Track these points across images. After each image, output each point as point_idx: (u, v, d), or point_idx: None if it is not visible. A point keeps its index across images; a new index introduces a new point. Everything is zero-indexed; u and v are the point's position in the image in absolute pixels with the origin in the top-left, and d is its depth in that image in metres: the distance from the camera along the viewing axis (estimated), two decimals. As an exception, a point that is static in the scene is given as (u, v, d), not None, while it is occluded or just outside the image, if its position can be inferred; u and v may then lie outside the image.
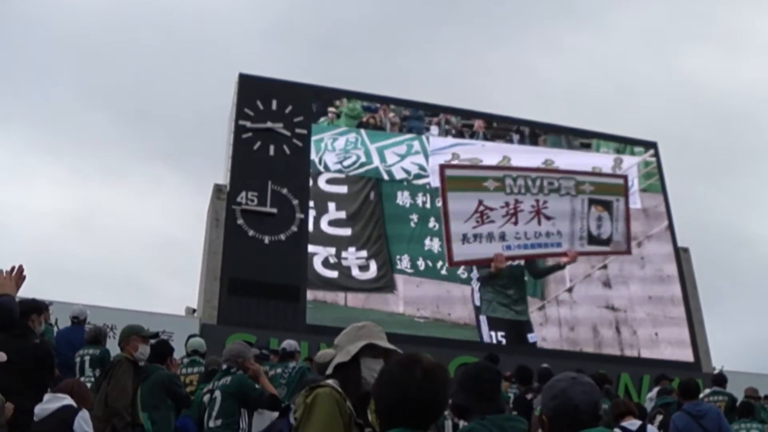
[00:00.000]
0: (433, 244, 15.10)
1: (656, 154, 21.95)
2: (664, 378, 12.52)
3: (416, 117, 15.96)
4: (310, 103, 19.13)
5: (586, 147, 17.98)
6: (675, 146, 43.49)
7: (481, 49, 48.31)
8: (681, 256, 20.40)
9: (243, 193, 17.52)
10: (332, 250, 15.34)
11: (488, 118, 20.71)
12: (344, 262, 15.40)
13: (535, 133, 16.97)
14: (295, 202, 17.77)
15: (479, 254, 14.69)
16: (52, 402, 5.23)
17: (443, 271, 14.76)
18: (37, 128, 44.83)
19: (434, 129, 16.11)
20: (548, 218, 15.52)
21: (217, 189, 17.73)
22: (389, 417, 2.60)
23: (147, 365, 7.33)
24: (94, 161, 45.61)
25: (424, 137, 16.00)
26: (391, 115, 15.90)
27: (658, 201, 19.35)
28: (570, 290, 16.07)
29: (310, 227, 15.29)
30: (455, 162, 15.75)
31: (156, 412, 7.04)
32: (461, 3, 47.43)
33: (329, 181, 15.86)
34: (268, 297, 16.46)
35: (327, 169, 15.98)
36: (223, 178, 18.16)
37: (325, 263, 15.26)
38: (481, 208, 15.01)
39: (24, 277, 3.86)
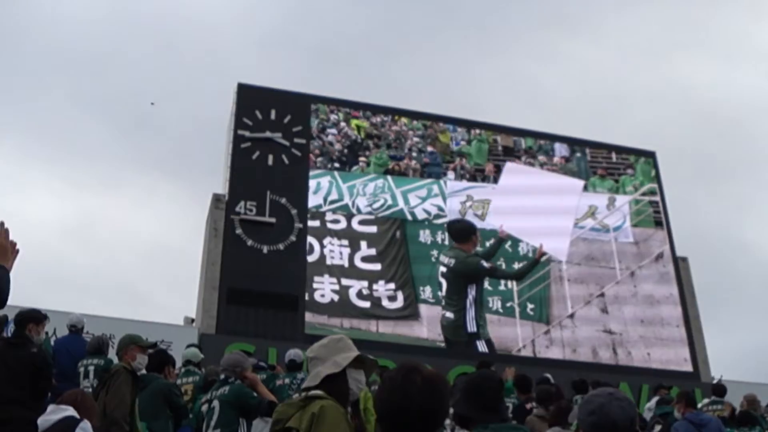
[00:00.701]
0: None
1: (654, 164, 22.02)
2: (662, 387, 12.52)
3: (435, 164, 17.67)
4: (309, 113, 19.19)
5: (584, 189, 19.15)
6: (671, 154, 43.54)
7: (477, 59, 48.50)
8: (680, 265, 20.45)
9: (242, 203, 17.53)
10: (365, 284, 16.62)
11: (487, 128, 20.83)
12: (375, 294, 16.65)
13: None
14: (294, 211, 17.78)
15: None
16: (54, 413, 5.22)
17: None
18: (34, 138, 44.92)
19: (450, 174, 17.68)
20: None
21: (216, 198, 17.74)
22: (392, 426, 2.60)
23: (145, 374, 7.31)
24: (91, 171, 45.67)
25: (441, 181, 17.58)
26: (413, 162, 17.58)
27: (649, 233, 19.86)
28: (572, 316, 17.35)
29: (345, 263, 16.62)
30: (468, 203, 17.53)
31: (155, 422, 7.01)
32: (457, 12, 47.60)
33: (361, 222, 17.20)
34: (267, 306, 16.45)
35: (359, 211, 17.30)
36: (221, 187, 18.18)
37: (359, 295, 16.50)
38: None
39: (17, 252, 3.81)
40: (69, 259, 44.91)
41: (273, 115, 18.86)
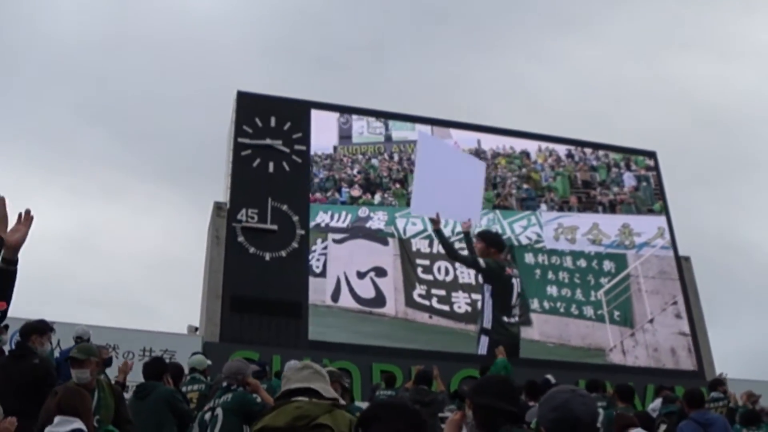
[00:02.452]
0: (552, 290, 19.25)
1: (655, 164, 22.08)
2: (664, 388, 12.51)
3: (530, 198, 20.56)
4: (308, 119, 19.24)
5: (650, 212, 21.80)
6: (670, 154, 43.49)
7: (474, 60, 48.47)
8: (682, 265, 20.48)
9: (243, 211, 17.56)
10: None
11: (488, 131, 20.93)
12: (453, 300, 18.70)
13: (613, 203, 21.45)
14: (296, 218, 17.81)
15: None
16: (62, 425, 5.14)
17: (561, 309, 19.08)
18: (35, 148, 44.99)
19: (543, 206, 20.55)
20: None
21: (218, 207, 17.77)
22: None
23: (146, 383, 7.31)
24: (92, 180, 45.69)
25: (537, 212, 20.35)
26: (513, 199, 20.42)
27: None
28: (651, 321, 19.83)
29: (473, 281, 18.77)
30: (560, 230, 20.40)
31: (160, 429, 7.02)
32: (454, 14, 47.70)
33: None
34: (270, 314, 16.47)
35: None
36: (223, 195, 18.21)
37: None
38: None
39: (32, 218, 3.80)
40: (70, 268, 44.96)
41: (273, 122, 18.91)
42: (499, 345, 11.49)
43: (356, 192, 18.99)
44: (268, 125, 18.86)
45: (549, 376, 11.15)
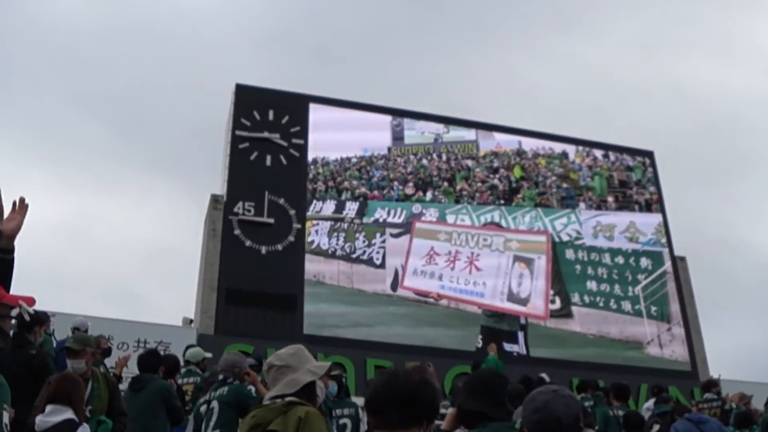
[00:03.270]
0: (592, 285, 19.98)
1: (653, 163, 22.12)
2: (660, 389, 12.53)
3: (570, 196, 21.40)
4: (306, 113, 19.23)
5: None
6: (667, 152, 43.52)
7: (474, 57, 48.49)
8: (678, 264, 20.53)
9: (240, 204, 17.54)
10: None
11: (488, 128, 20.97)
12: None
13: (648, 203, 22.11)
14: (292, 212, 17.80)
15: (422, 287, 18.68)
16: (53, 415, 5.12)
17: (600, 304, 19.80)
18: (30, 137, 44.82)
19: (582, 204, 21.38)
20: (478, 270, 19.17)
21: (214, 199, 17.74)
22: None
23: (142, 375, 7.31)
24: (88, 170, 45.61)
25: (576, 210, 21.16)
26: (554, 197, 21.24)
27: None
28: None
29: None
30: (598, 227, 21.15)
31: (155, 421, 7.02)
32: (453, 11, 47.65)
33: None
34: (266, 307, 16.47)
35: None
36: (219, 188, 18.18)
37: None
38: (431, 252, 19.10)
39: (27, 207, 3.75)
40: (65, 259, 44.86)
41: (271, 115, 18.89)
42: (491, 343, 11.53)
43: (410, 190, 19.95)
44: (266, 118, 18.83)
45: (544, 375, 11.17)
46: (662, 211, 21.41)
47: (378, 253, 18.60)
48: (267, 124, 18.76)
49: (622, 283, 20.12)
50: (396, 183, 19.85)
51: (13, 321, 7.00)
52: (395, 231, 19.02)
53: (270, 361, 3.68)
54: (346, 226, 18.62)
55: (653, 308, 20.15)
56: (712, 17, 50.90)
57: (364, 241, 18.60)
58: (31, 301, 3.64)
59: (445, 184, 20.35)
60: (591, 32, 49.99)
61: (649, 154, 22.38)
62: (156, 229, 45.44)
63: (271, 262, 17.08)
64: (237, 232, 17.24)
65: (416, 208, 19.63)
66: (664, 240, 21.26)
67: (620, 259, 20.53)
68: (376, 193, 19.42)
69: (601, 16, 50.33)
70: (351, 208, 18.95)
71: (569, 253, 20.23)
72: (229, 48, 48.16)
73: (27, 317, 6.27)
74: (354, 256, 18.34)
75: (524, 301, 19.02)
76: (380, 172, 19.86)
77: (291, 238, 17.52)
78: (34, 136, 45.41)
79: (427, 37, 47.53)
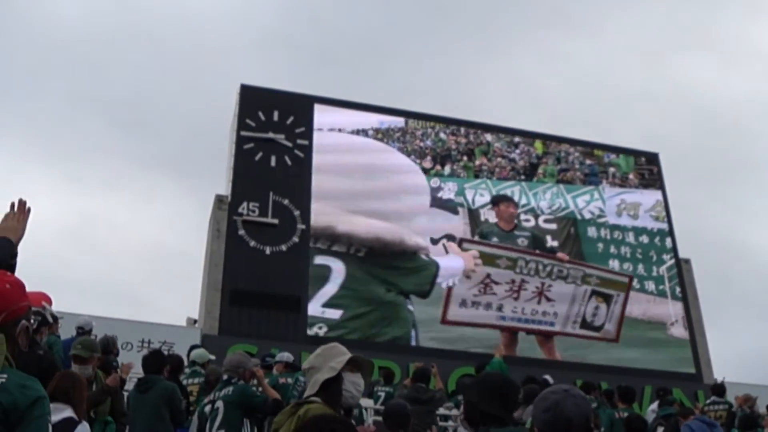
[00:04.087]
0: (614, 264, 19.97)
1: (658, 166, 22.07)
2: (665, 392, 12.51)
3: (593, 173, 21.20)
4: (311, 114, 19.23)
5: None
6: (672, 155, 43.47)
7: (477, 59, 48.49)
8: (682, 267, 20.49)
9: (244, 204, 17.55)
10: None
11: (488, 129, 20.93)
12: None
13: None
14: (297, 213, 17.80)
15: (473, 318, 18.23)
16: (52, 414, 5.13)
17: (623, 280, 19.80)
18: (33, 137, 44.91)
19: (604, 181, 21.22)
20: (549, 300, 18.85)
21: (219, 199, 17.75)
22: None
23: (148, 376, 7.31)
24: (91, 170, 45.66)
25: (600, 187, 21.05)
26: (578, 173, 21.11)
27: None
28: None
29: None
30: (623, 205, 21.04)
31: (160, 423, 7.02)
32: (457, 12, 47.64)
33: (545, 221, 20.23)
34: (269, 307, 16.47)
35: (542, 212, 20.27)
36: (224, 188, 18.19)
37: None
38: (487, 280, 18.65)
39: (29, 210, 3.48)
40: (69, 259, 44.94)
41: (276, 116, 18.89)
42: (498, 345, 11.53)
43: (428, 164, 19.88)
44: (271, 119, 18.84)
45: (547, 377, 11.15)
46: (667, 213, 21.32)
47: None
48: (272, 125, 18.76)
49: (646, 263, 20.16)
50: (413, 157, 19.80)
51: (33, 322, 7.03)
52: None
53: (304, 365, 3.78)
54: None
55: (678, 289, 20.21)
56: (716, 21, 50.85)
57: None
58: (49, 301, 3.62)
59: (465, 158, 20.29)
60: (595, 35, 49.97)
61: (654, 156, 22.33)
62: (160, 229, 45.54)
63: (276, 262, 17.08)
64: (241, 232, 17.24)
65: (434, 182, 19.57)
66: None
67: (645, 239, 20.51)
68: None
69: (605, 19, 50.29)
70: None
71: (591, 231, 20.17)
72: (234, 48, 48.22)
73: (50, 318, 6.26)
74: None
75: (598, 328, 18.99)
76: (397, 144, 19.81)
77: (295, 239, 17.51)
78: (38, 136, 45.54)
79: (430, 39, 47.55)
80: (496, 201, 19.84)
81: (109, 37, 47.94)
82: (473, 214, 19.47)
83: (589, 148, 21.78)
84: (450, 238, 18.85)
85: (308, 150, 18.80)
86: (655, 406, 11.36)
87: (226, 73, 45.93)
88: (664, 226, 20.95)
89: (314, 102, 19.59)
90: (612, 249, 20.07)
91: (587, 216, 20.40)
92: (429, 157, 19.89)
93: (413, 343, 17.45)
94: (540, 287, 18.81)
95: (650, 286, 19.96)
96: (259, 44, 49.45)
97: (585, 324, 18.86)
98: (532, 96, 47.51)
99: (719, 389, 11.64)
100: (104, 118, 46.74)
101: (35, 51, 45.33)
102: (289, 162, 18.49)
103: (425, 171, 19.62)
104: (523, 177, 20.48)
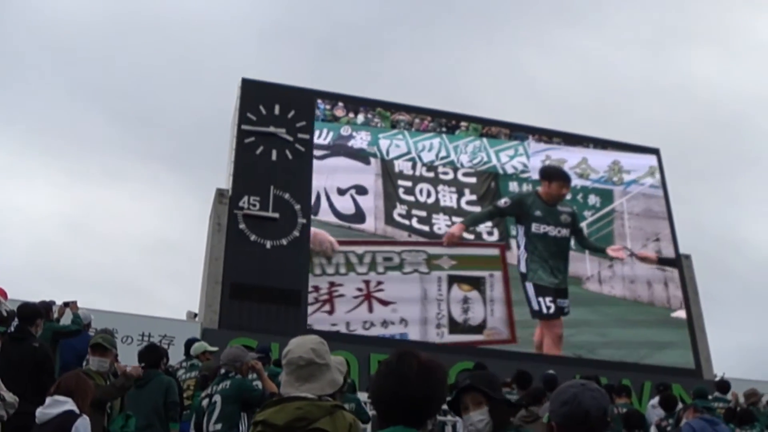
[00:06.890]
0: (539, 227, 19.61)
1: (659, 161, 22.02)
2: (665, 387, 12.51)
3: (519, 129, 21.11)
4: (312, 108, 19.21)
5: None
6: (672, 149, 43.33)
7: (477, 51, 48.40)
8: (683, 263, 20.47)
9: (245, 198, 17.55)
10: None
11: (489, 123, 20.89)
12: (477, 229, 19.43)
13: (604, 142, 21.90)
14: (297, 207, 17.80)
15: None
16: (53, 407, 5.14)
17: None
18: (35, 130, 44.88)
19: (530, 138, 20.99)
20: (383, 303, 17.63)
21: (219, 193, 17.75)
22: (386, 411, 2.59)
23: (146, 371, 7.33)
24: (92, 163, 45.66)
25: (525, 143, 20.80)
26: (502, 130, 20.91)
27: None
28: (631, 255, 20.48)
29: (454, 204, 19.40)
30: (547, 161, 20.82)
31: (159, 416, 7.03)
32: (457, 4, 47.54)
33: (464, 174, 19.97)
34: (270, 301, 16.48)
35: (462, 165, 20.00)
36: (225, 182, 18.19)
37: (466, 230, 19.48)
38: None
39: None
40: (69, 251, 44.98)
41: (277, 110, 18.88)
42: None
43: (339, 112, 19.51)
44: (272, 113, 18.82)
45: (551, 371, 11.13)
46: (668, 208, 21.28)
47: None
48: (273, 119, 18.75)
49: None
50: (321, 101, 19.42)
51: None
52: (319, 153, 18.49)
53: (302, 356, 3.52)
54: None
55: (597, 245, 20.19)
56: (719, 15, 50.69)
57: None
58: (5, 295, 3.62)
59: (380, 107, 19.96)
60: (597, 28, 49.86)
61: (655, 151, 22.28)
62: (161, 222, 45.56)
63: (276, 256, 17.08)
64: (242, 226, 17.24)
65: (345, 130, 19.18)
66: (616, 178, 21.10)
67: (567, 195, 20.36)
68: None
69: (608, 12, 50.18)
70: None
71: (513, 186, 19.95)
72: (235, 42, 48.16)
73: (4, 313, 6.29)
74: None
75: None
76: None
77: (296, 233, 17.52)
78: (39, 128, 45.52)
79: (432, 31, 47.47)
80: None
81: (111, 30, 47.89)
82: (386, 165, 19.14)
83: (589, 143, 21.72)
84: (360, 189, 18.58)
85: (309, 144, 18.79)
86: (654, 401, 11.35)
87: (228, 67, 45.93)
88: (588, 183, 20.71)
89: (316, 96, 19.57)
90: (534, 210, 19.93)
91: (510, 171, 20.19)
92: (340, 103, 19.57)
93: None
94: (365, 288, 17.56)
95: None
96: (263, 38, 49.40)
97: (455, 326, 17.79)
98: (533, 89, 47.46)
99: (723, 386, 11.64)
100: (106, 111, 46.73)
101: (36, 43, 45.29)
102: (290, 156, 18.48)
103: (335, 118, 19.25)
104: (444, 129, 20.20)
